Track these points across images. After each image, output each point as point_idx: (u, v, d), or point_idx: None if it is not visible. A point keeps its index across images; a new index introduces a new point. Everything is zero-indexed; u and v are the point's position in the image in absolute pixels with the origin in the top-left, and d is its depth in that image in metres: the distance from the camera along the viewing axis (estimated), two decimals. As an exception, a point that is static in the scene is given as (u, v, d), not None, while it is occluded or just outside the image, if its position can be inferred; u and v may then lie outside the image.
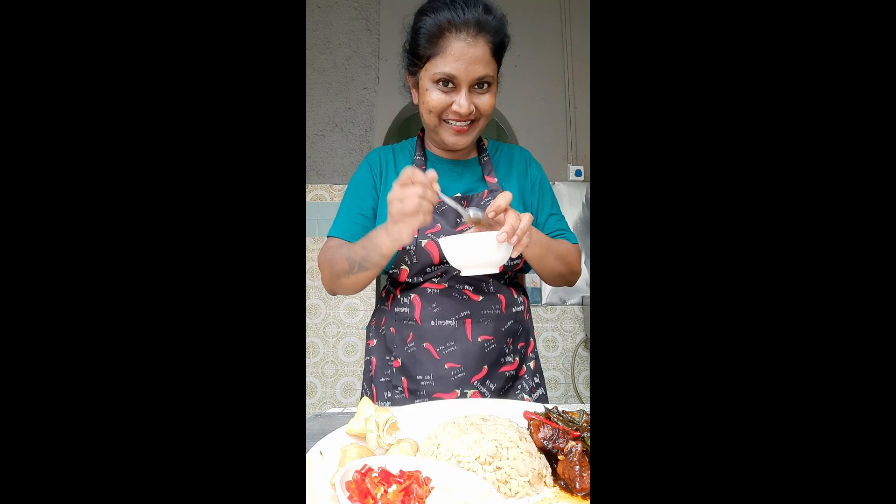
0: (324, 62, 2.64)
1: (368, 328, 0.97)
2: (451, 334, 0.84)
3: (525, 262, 0.91)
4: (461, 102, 0.80)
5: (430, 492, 0.40)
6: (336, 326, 2.55)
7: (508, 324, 0.87)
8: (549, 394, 0.96)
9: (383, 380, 0.90)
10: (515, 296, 0.90)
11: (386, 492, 0.39)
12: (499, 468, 0.44)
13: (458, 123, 0.83)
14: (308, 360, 2.51)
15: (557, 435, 0.48)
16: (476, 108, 0.82)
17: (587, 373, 2.62)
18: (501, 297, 0.86)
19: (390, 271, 0.91)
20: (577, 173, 2.64)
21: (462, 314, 0.84)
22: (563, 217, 0.98)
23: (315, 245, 2.56)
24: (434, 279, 0.86)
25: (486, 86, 0.81)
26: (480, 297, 0.85)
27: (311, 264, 2.56)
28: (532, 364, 0.92)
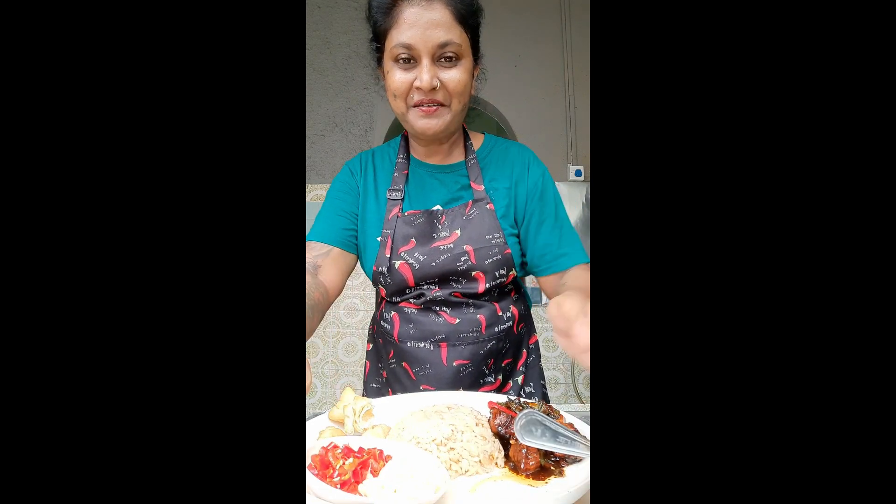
0: (324, 62, 2.64)
1: (369, 330, 0.96)
2: (427, 357, 0.80)
3: (516, 274, 0.84)
4: (423, 76, 0.71)
5: (385, 464, 0.44)
6: (336, 326, 2.55)
7: (488, 346, 0.81)
8: (549, 394, 0.94)
9: (374, 385, 0.91)
10: (500, 312, 0.82)
11: (344, 464, 0.43)
12: (452, 449, 0.49)
13: (425, 106, 0.74)
14: (308, 360, 2.51)
15: (510, 422, 0.51)
16: (442, 83, 0.72)
17: (587, 373, 2.62)
18: (482, 317, 0.80)
19: (374, 287, 0.88)
20: (577, 173, 2.64)
21: (437, 337, 0.79)
22: (568, 228, 0.83)
23: (315, 245, 2.56)
24: (412, 299, 0.82)
25: (453, 58, 0.72)
26: (457, 320, 0.80)
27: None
28: (521, 378, 0.87)
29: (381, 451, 0.46)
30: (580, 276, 0.77)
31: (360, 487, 0.42)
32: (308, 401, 2.49)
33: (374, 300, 2.52)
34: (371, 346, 0.93)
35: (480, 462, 0.49)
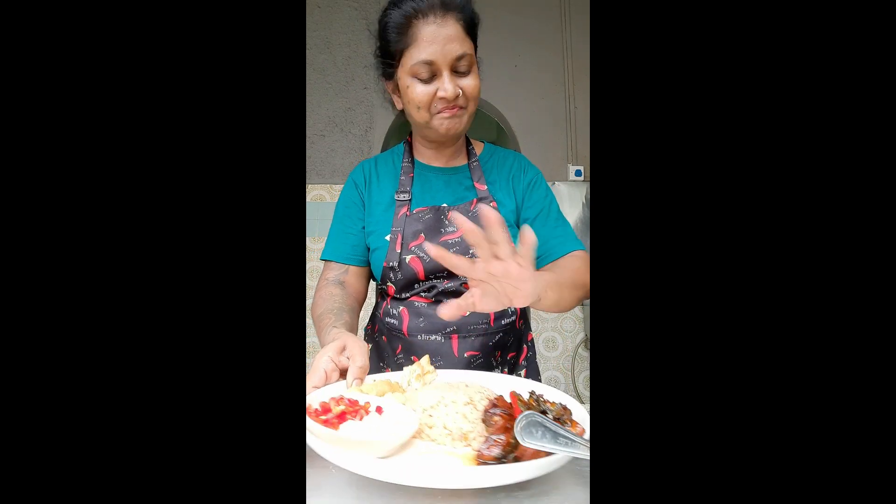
0: (324, 62, 2.64)
1: (365, 330, 0.97)
2: (438, 349, 0.83)
3: None
4: (446, 87, 0.77)
5: (362, 416, 0.52)
6: (336, 326, 2.54)
7: (496, 338, 0.85)
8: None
9: None
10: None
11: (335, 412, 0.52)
12: (430, 415, 0.54)
13: (448, 110, 0.80)
14: (308, 360, 2.51)
15: (497, 413, 0.53)
16: (462, 91, 0.79)
17: (587, 373, 2.62)
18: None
19: (379, 286, 0.90)
20: (577, 173, 2.64)
21: (448, 329, 0.83)
22: (559, 220, 0.90)
23: (315, 245, 2.56)
24: (422, 294, 0.85)
25: (466, 67, 0.79)
26: (468, 312, 0.83)
27: (311, 264, 2.56)
28: (523, 372, 0.91)
29: (369, 404, 0.54)
30: (570, 262, 0.81)
31: (341, 426, 0.49)
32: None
33: (373, 300, 2.52)
34: (370, 346, 0.94)
35: (451, 436, 0.53)
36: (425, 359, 0.66)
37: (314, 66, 2.62)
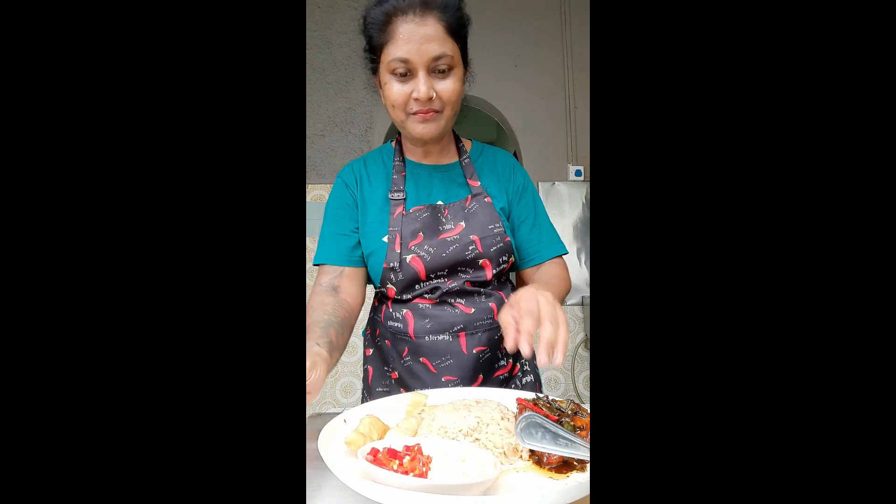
0: (324, 62, 2.64)
1: (364, 335, 0.96)
2: (447, 348, 0.83)
3: (514, 263, 0.90)
4: (420, 88, 0.76)
5: (430, 458, 0.47)
6: (336, 326, 2.54)
7: (501, 331, 0.86)
8: (549, 394, 0.96)
9: (380, 389, 0.90)
10: (506, 300, 0.87)
11: (402, 462, 0.46)
12: (477, 439, 0.51)
13: (422, 113, 0.79)
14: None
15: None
16: (437, 94, 0.78)
17: (587, 373, 2.62)
18: (493, 305, 0.85)
19: (377, 289, 0.89)
20: (577, 173, 2.63)
21: (456, 328, 0.83)
22: (546, 224, 0.94)
23: (315, 245, 2.56)
24: (425, 295, 0.84)
25: (446, 69, 0.78)
26: (473, 309, 0.84)
27: (311, 265, 2.56)
28: (526, 363, 0.92)
29: (420, 447, 0.49)
30: (556, 270, 0.90)
31: (429, 474, 0.45)
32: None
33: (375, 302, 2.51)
34: (371, 350, 0.93)
35: (504, 454, 0.51)
36: (420, 394, 0.63)
37: (314, 66, 2.62)
